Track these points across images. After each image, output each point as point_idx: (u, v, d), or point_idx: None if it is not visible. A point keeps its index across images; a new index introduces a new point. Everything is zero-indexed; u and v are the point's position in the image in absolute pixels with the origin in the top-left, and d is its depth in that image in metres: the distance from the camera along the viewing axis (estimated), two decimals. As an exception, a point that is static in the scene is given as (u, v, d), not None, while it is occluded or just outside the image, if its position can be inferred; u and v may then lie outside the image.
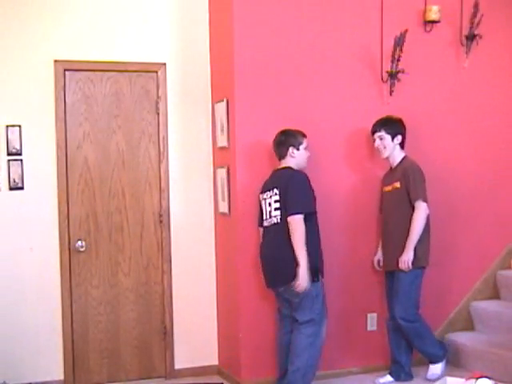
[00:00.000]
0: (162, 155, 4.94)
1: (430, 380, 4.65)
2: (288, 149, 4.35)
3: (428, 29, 5.05)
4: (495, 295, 5.31)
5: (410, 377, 4.72)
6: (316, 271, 4.23)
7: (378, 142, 4.68)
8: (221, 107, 4.80)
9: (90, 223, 4.82)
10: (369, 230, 4.94)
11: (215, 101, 4.94)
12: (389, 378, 4.72)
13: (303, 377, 4.25)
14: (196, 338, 5.04)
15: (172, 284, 4.97)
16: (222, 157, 4.89)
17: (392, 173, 4.71)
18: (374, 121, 4.81)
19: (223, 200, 4.84)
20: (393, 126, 4.66)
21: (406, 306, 4.57)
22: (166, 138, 4.94)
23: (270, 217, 4.32)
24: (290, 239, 4.17)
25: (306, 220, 4.17)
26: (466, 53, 5.13)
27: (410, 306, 4.58)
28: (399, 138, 4.66)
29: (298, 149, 4.36)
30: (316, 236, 4.30)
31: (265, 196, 4.38)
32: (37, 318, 4.68)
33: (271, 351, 4.64)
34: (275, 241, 4.29)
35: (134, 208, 4.92)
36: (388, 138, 4.63)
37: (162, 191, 4.95)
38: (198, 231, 5.04)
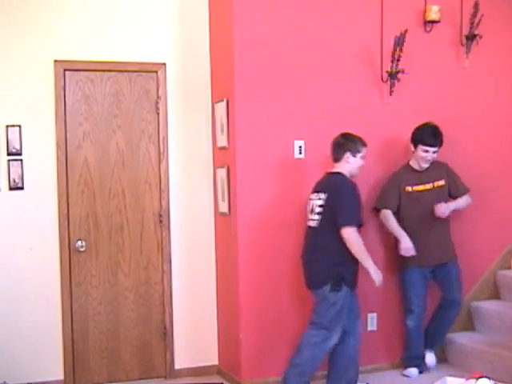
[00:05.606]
0: (162, 155, 4.94)
1: (430, 367, 4.93)
2: (345, 153, 4.25)
3: (428, 29, 5.05)
4: (495, 295, 5.31)
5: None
6: (339, 280, 4.13)
7: (431, 155, 4.73)
8: (221, 107, 4.80)
9: (90, 223, 4.82)
10: (366, 232, 4.95)
11: (215, 101, 4.94)
12: (415, 370, 4.86)
13: (300, 374, 4.21)
14: (196, 337, 5.04)
15: (172, 284, 4.97)
16: (222, 157, 4.89)
17: (425, 173, 4.78)
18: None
19: (223, 200, 4.83)
20: (441, 139, 4.76)
21: (460, 292, 4.90)
22: (166, 138, 4.94)
23: (312, 219, 4.27)
24: (324, 246, 4.16)
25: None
26: (466, 53, 5.13)
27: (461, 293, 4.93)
28: None
29: (354, 155, 4.26)
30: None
31: (313, 197, 4.32)
32: (37, 318, 4.68)
33: (271, 351, 4.64)
34: (311, 245, 4.27)
35: (134, 208, 4.92)
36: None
37: (162, 191, 4.95)
38: (198, 231, 5.04)
